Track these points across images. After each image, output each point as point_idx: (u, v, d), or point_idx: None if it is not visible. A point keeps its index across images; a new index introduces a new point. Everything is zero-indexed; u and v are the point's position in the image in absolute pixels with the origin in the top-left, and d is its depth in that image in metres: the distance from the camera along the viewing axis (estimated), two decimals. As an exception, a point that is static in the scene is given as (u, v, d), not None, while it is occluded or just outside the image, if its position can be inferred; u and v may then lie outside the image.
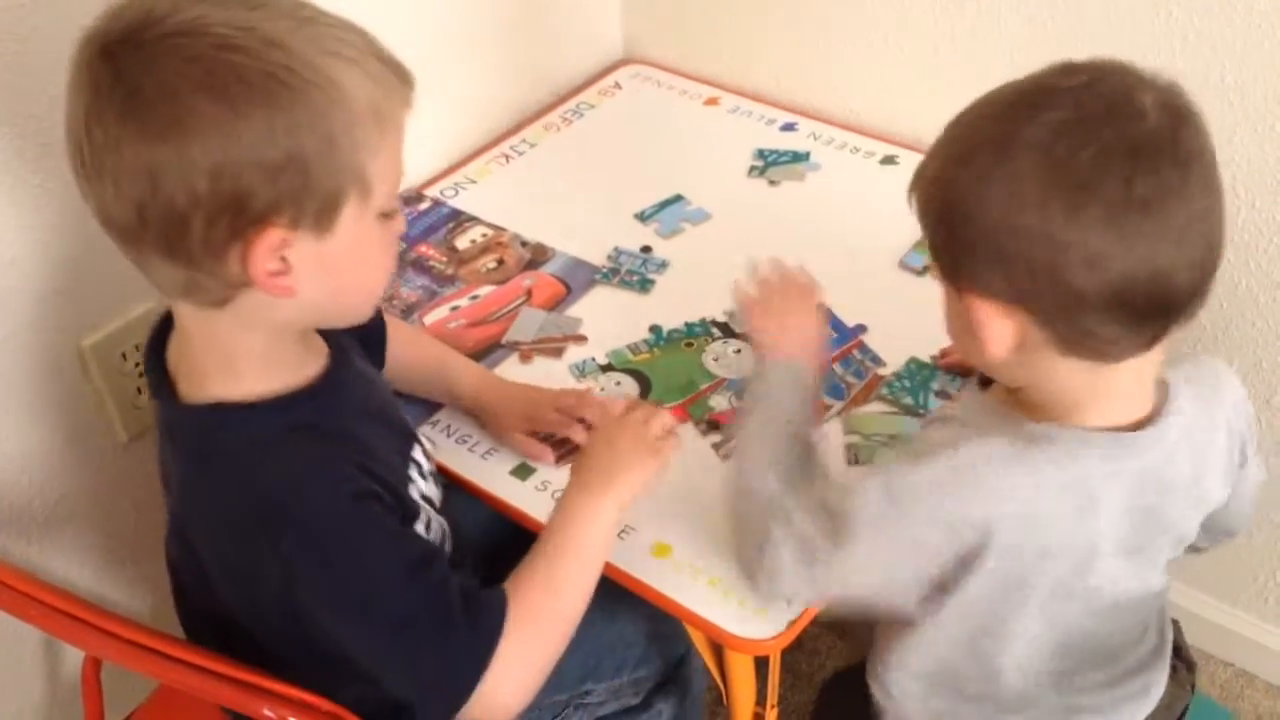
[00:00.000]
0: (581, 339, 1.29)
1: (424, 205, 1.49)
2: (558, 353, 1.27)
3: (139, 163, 0.74)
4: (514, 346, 1.27)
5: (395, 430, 0.99)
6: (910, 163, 1.48)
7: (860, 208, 1.44)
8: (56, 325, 1.18)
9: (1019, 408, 0.88)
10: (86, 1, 0.78)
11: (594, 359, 1.26)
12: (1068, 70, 0.79)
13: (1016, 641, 0.92)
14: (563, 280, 1.36)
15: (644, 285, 1.35)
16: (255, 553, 0.82)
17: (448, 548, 0.99)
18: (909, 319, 1.25)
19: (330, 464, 0.86)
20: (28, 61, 1.05)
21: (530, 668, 0.88)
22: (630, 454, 0.97)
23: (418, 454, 0.99)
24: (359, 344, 1.01)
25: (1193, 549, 0.99)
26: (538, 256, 1.40)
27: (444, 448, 1.15)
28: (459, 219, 1.47)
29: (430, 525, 0.96)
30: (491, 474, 1.13)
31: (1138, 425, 0.86)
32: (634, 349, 1.27)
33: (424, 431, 1.15)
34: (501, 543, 1.07)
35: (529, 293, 1.35)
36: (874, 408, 1.18)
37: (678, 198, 1.48)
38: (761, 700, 1.14)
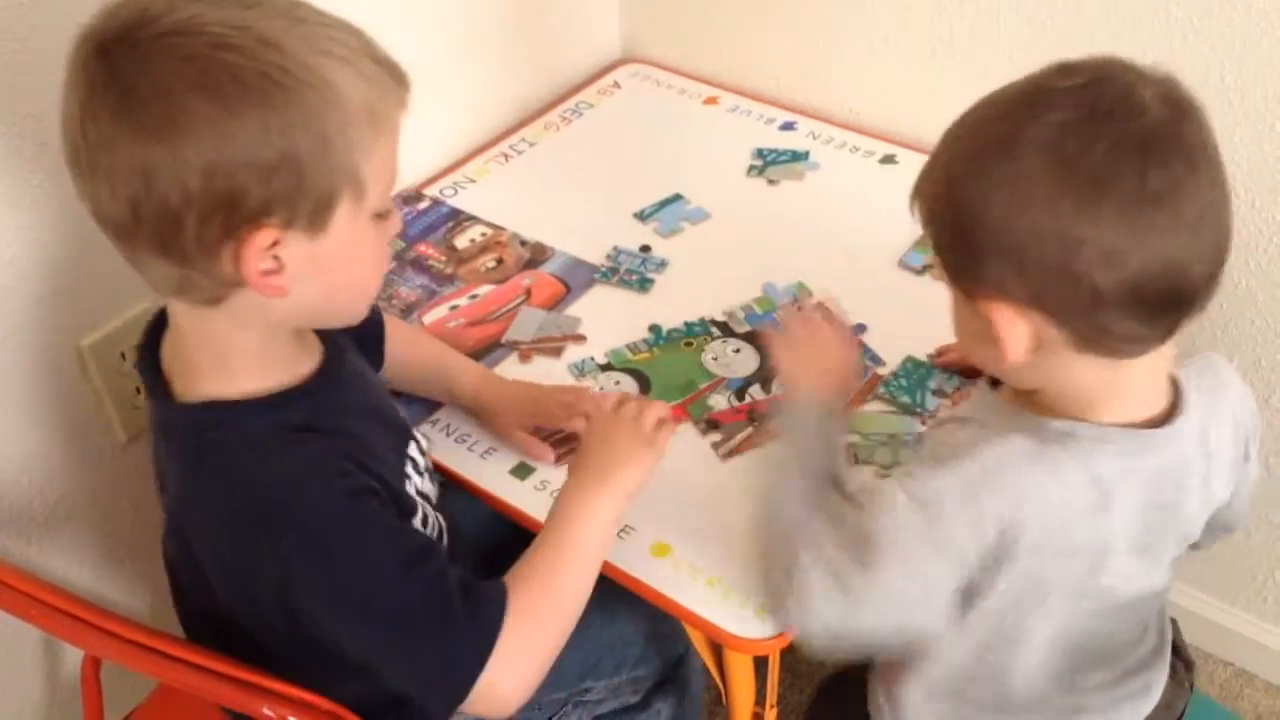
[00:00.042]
0: (581, 338, 1.29)
1: (423, 204, 1.49)
2: (557, 352, 1.27)
3: (133, 161, 0.74)
4: (513, 346, 1.27)
5: (391, 427, 0.99)
6: (910, 162, 1.49)
7: (860, 207, 1.44)
8: (55, 325, 1.18)
9: (1032, 407, 0.88)
10: (86, 0, 0.78)
11: (593, 358, 1.26)
12: (1065, 70, 0.79)
13: (1030, 645, 0.92)
14: (562, 279, 1.36)
15: (643, 284, 1.35)
16: (254, 551, 0.82)
17: (444, 544, 0.99)
18: (909, 318, 1.26)
19: (326, 461, 0.86)
20: (27, 60, 1.05)
21: (530, 662, 0.88)
22: (626, 449, 0.97)
23: (413, 450, 0.99)
24: (355, 343, 1.01)
25: (1193, 546, 0.99)
26: (537, 256, 1.40)
27: (443, 447, 1.15)
28: (458, 218, 1.47)
29: (427, 521, 0.96)
30: (491, 473, 1.13)
31: (1152, 422, 0.86)
32: (633, 348, 1.27)
33: (423, 430, 1.15)
34: (501, 542, 1.08)
35: (528, 292, 1.35)
36: (873, 407, 1.18)
37: (677, 197, 1.48)
38: (761, 700, 1.14)
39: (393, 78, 0.82)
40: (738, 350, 1.25)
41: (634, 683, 1.18)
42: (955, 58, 1.45)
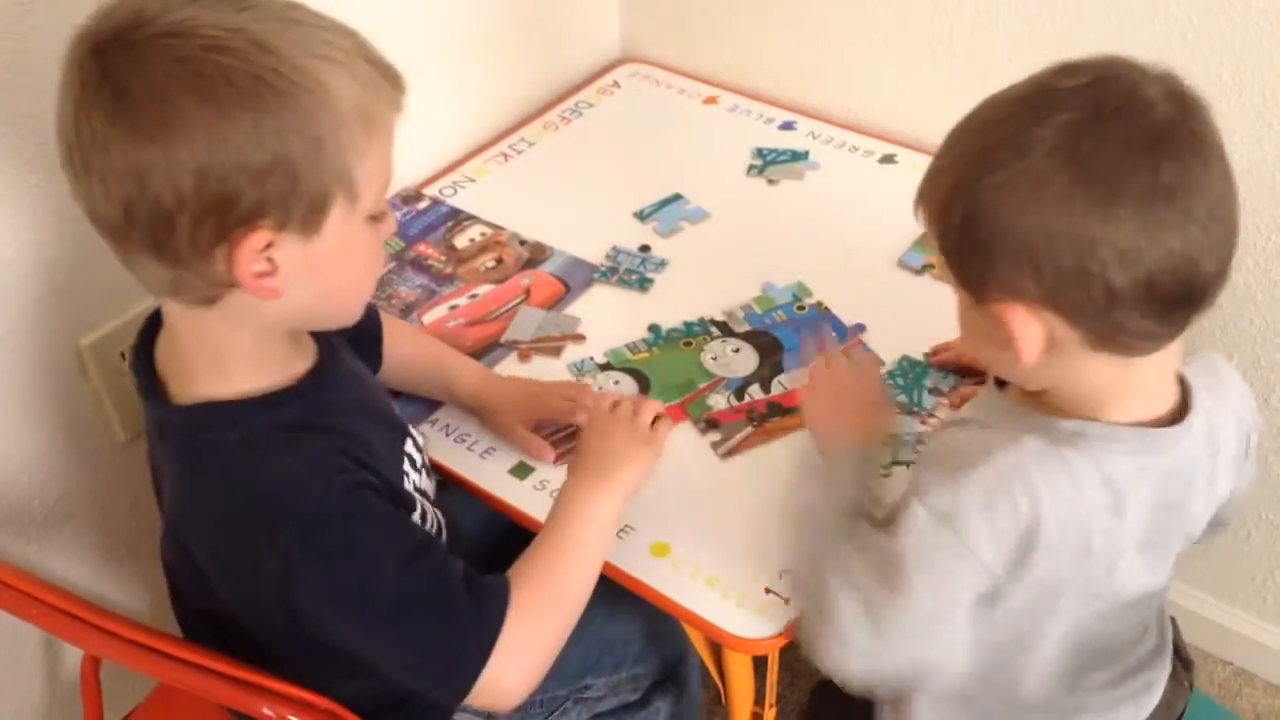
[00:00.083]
0: (580, 338, 1.29)
1: (423, 204, 1.49)
2: (556, 352, 1.27)
3: (126, 162, 0.74)
4: (513, 345, 1.27)
5: (387, 425, 0.99)
6: (909, 162, 1.49)
7: (859, 207, 1.44)
8: (54, 325, 1.18)
9: (1041, 407, 0.87)
10: (85, 0, 0.78)
11: (592, 358, 1.26)
12: (1068, 70, 0.79)
13: (1043, 647, 0.92)
14: (561, 279, 1.36)
15: (643, 284, 1.35)
16: (253, 550, 0.82)
17: (444, 540, 0.99)
18: (908, 317, 1.26)
19: (325, 457, 0.86)
20: (26, 60, 1.05)
21: (533, 656, 0.88)
22: (624, 447, 0.98)
23: (410, 448, 0.99)
24: (351, 343, 1.01)
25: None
26: (536, 255, 1.40)
27: (442, 447, 1.15)
28: (458, 218, 1.47)
29: (426, 518, 0.96)
30: (490, 473, 1.13)
31: (1160, 421, 0.86)
32: (633, 348, 1.27)
33: (422, 430, 1.15)
34: (500, 541, 1.08)
35: (527, 291, 1.35)
36: (872, 407, 1.18)
37: (676, 197, 1.48)
38: (760, 699, 1.14)
39: (387, 80, 0.82)
40: (737, 350, 1.26)
41: (633, 680, 1.18)
42: (955, 57, 1.45)
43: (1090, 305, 0.77)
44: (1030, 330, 0.80)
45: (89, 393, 1.23)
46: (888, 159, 1.52)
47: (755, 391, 1.20)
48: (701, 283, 1.34)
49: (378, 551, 0.85)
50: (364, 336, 1.05)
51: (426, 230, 1.45)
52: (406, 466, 0.97)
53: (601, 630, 1.12)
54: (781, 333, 1.27)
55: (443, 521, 1.00)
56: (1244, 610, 1.62)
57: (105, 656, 0.94)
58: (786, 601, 1.00)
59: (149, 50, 0.74)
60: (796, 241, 1.39)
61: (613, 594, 1.01)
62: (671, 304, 1.32)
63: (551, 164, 1.56)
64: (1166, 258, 0.75)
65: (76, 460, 1.25)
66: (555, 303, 1.33)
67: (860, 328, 1.27)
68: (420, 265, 1.40)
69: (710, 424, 1.17)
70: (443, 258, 1.41)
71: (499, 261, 1.40)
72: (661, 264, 1.38)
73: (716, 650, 1.09)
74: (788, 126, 1.60)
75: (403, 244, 1.42)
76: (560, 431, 1.16)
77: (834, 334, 1.24)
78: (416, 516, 0.94)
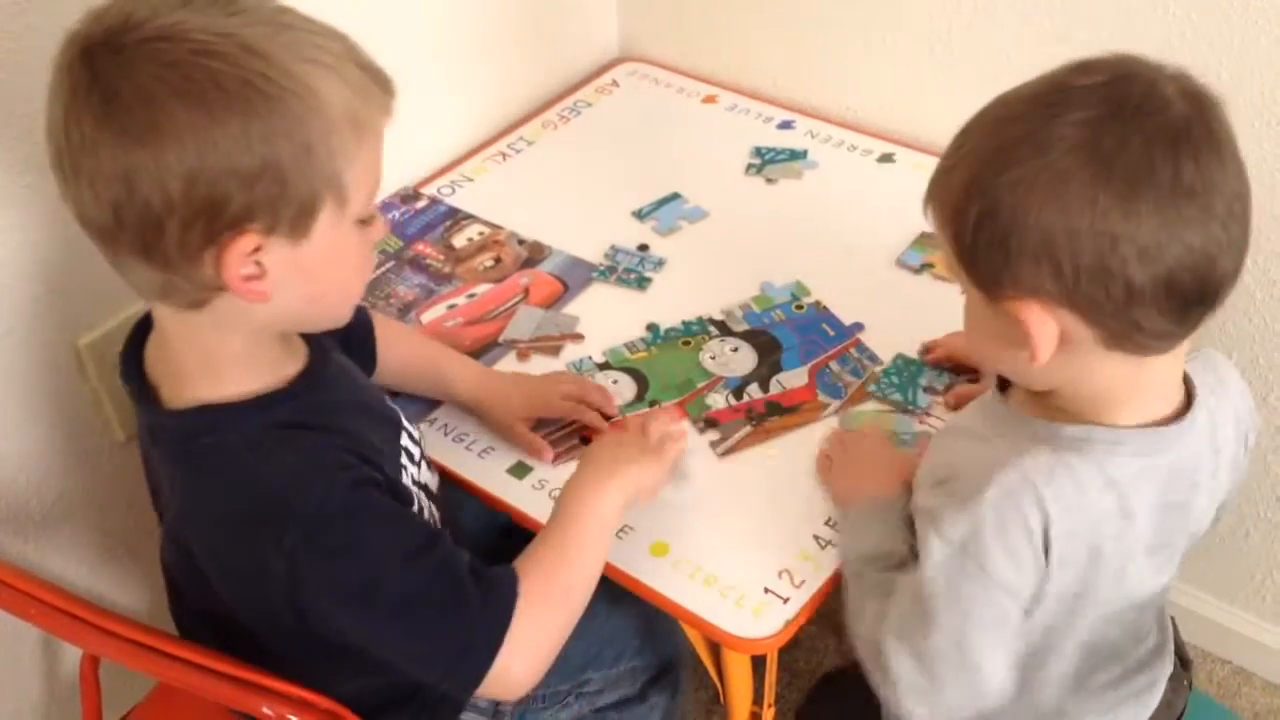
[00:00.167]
0: (579, 337, 1.29)
1: (421, 203, 1.49)
2: (555, 351, 1.27)
3: (115, 166, 0.74)
4: (511, 345, 1.27)
5: (381, 420, 0.99)
6: (908, 160, 1.49)
7: (857, 206, 1.44)
8: (52, 325, 1.18)
9: (1047, 411, 0.87)
10: (84, 0, 0.78)
11: (591, 357, 1.26)
12: (1083, 68, 0.78)
13: (1060, 657, 0.93)
14: (560, 278, 1.36)
15: (641, 283, 1.35)
16: (257, 550, 0.82)
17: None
18: (906, 317, 1.26)
19: (326, 455, 0.86)
20: (22, 60, 1.05)
21: (541, 646, 0.89)
22: (632, 453, 0.99)
23: (406, 441, 1.00)
24: (340, 345, 1.01)
25: None
26: (535, 254, 1.40)
27: (441, 446, 1.15)
28: (456, 217, 1.47)
29: (424, 512, 0.96)
30: (488, 472, 1.13)
31: (1167, 420, 0.86)
32: (631, 347, 1.27)
33: (420, 429, 1.15)
34: (501, 537, 1.08)
35: (526, 291, 1.35)
36: (869, 406, 1.18)
37: (675, 196, 1.48)
38: (759, 699, 1.14)
39: (377, 84, 0.82)
40: (735, 349, 1.25)
41: (631, 674, 1.18)
42: (954, 56, 1.45)
43: (1109, 303, 0.77)
44: (1046, 328, 0.79)
45: (87, 392, 1.23)
46: (886, 158, 1.52)
47: (754, 391, 1.20)
48: (700, 282, 1.34)
49: (384, 547, 0.85)
50: (354, 338, 1.06)
51: (425, 229, 1.45)
52: (404, 460, 0.98)
53: (602, 625, 1.12)
54: (780, 332, 1.27)
55: (438, 516, 1.00)
56: (1243, 609, 1.62)
57: (104, 655, 0.94)
58: (785, 601, 1.00)
59: (138, 54, 0.74)
60: (795, 240, 1.39)
61: (614, 589, 1.01)
62: (670, 303, 1.31)
63: (550, 163, 1.56)
64: (1186, 254, 0.75)
65: (75, 459, 1.25)
66: (554, 302, 1.33)
67: (858, 326, 1.27)
68: (418, 264, 1.40)
69: (709, 423, 1.17)
70: (441, 257, 1.41)
71: (497, 260, 1.39)
72: (660, 263, 1.38)
73: (715, 650, 1.09)
74: (786, 125, 1.60)
75: (401, 243, 1.42)
76: (559, 430, 1.16)
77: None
78: (414, 511, 0.94)
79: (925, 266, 1.33)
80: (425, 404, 1.20)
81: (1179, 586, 1.57)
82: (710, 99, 1.66)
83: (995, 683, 0.89)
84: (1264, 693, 1.64)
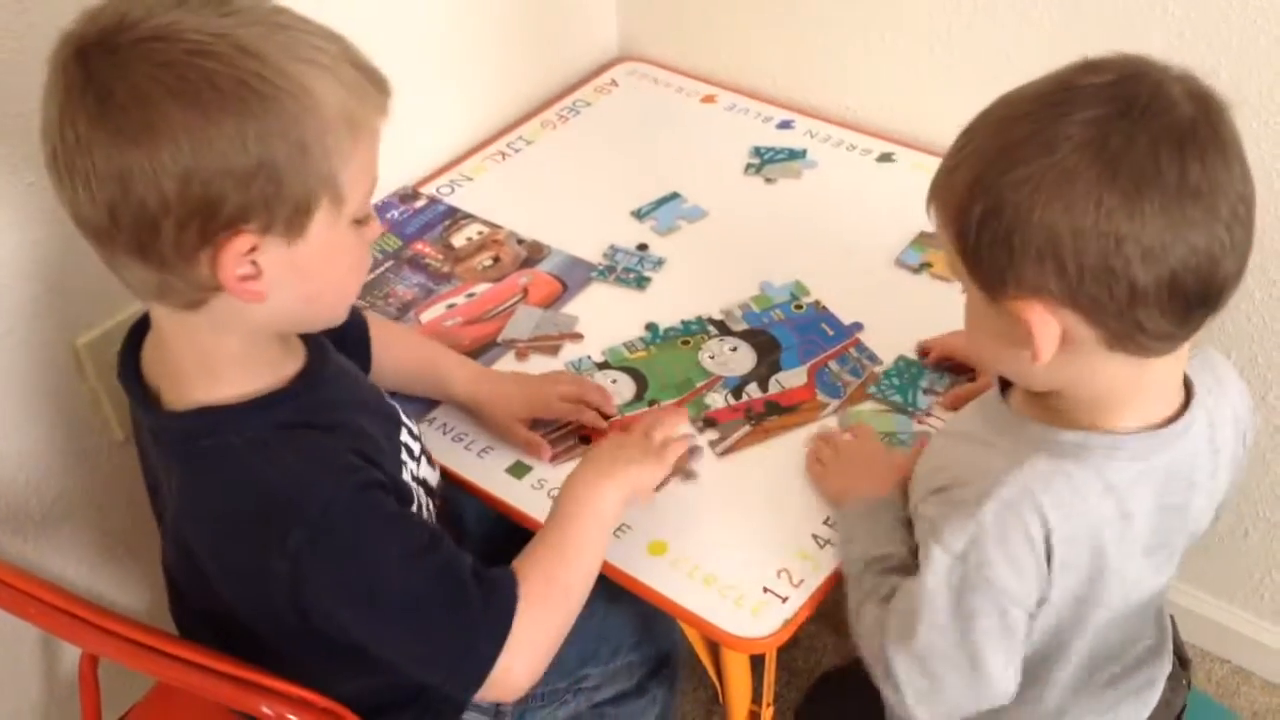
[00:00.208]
0: (578, 336, 1.29)
1: (420, 202, 1.49)
2: (554, 350, 1.27)
3: (110, 166, 0.74)
4: (510, 344, 1.27)
5: (380, 416, 0.99)
6: (907, 160, 1.49)
7: (857, 205, 1.44)
8: (51, 324, 1.18)
9: (1047, 413, 0.87)
10: (83, 0, 0.78)
11: (590, 357, 1.26)
12: (1091, 68, 0.78)
13: (1065, 659, 0.93)
14: (559, 278, 1.36)
15: (640, 283, 1.35)
16: (260, 551, 0.82)
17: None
18: (906, 316, 1.26)
19: (332, 456, 0.86)
20: (22, 59, 1.05)
21: (540, 646, 0.89)
22: (633, 454, 0.99)
23: (405, 437, 1.00)
24: (335, 346, 1.01)
25: None
26: (534, 254, 1.40)
27: (440, 446, 1.15)
28: (455, 216, 1.47)
29: (423, 509, 0.97)
30: (487, 472, 1.13)
31: (1165, 422, 0.86)
32: (630, 346, 1.27)
33: (420, 429, 1.15)
34: (501, 536, 1.08)
35: (525, 290, 1.35)
36: (868, 406, 1.18)
37: (674, 195, 1.48)
38: (757, 698, 1.14)
39: (373, 84, 0.82)
40: (735, 349, 1.26)
41: (629, 669, 1.18)
42: (953, 55, 1.45)
43: (1112, 303, 0.77)
44: (1048, 328, 0.79)
45: (86, 391, 1.23)
46: (885, 157, 1.52)
47: (753, 390, 1.20)
48: (699, 281, 1.34)
49: (387, 549, 0.85)
50: (349, 338, 1.05)
51: (424, 229, 1.45)
52: (404, 456, 0.98)
53: (600, 622, 1.12)
54: (779, 331, 1.27)
55: (434, 510, 1.00)
56: (1242, 609, 1.62)
57: (103, 655, 0.94)
58: (784, 600, 1.00)
59: (133, 54, 0.74)
60: (794, 240, 1.39)
61: (610, 586, 1.02)
62: (669, 303, 1.32)
63: (549, 163, 1.56)
64: (1190, 255, 0.75)
65: (74, 459, 1.25)
66: (553, 301, 1.33)
67: (858, 326, 1.27)
68: (417, 264, 1.40)
69: (708, 423, 1.17)
70: (440, 256, 1.41)
71: (496, 260, 1.40)
72: (659, 263, 1.38)
73: (714, 649, 1.09)
74: (785, 125, 1.60)
75: (400, 242, 1.42)
76: (558, 430, 1.16)
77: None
78: (413, 508, 0.94)
79: (924, 266, 1.33)
80: (424, 404, 1.20)
81: (1178, 586, 1.57)
82: (709, 99, 1.66)
83: (1002, 688, 0.89)
84: (1263, 692, 1.64)
